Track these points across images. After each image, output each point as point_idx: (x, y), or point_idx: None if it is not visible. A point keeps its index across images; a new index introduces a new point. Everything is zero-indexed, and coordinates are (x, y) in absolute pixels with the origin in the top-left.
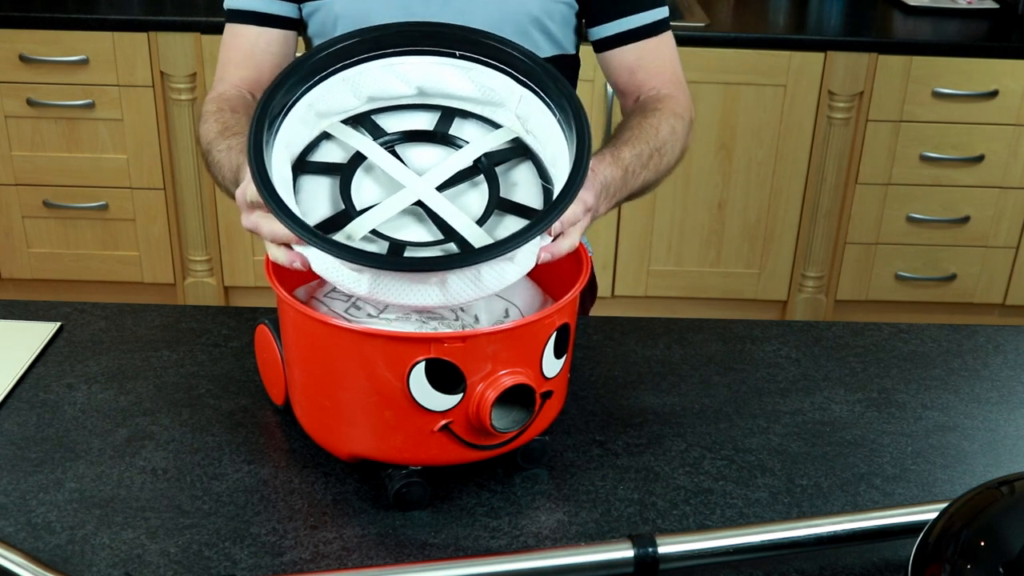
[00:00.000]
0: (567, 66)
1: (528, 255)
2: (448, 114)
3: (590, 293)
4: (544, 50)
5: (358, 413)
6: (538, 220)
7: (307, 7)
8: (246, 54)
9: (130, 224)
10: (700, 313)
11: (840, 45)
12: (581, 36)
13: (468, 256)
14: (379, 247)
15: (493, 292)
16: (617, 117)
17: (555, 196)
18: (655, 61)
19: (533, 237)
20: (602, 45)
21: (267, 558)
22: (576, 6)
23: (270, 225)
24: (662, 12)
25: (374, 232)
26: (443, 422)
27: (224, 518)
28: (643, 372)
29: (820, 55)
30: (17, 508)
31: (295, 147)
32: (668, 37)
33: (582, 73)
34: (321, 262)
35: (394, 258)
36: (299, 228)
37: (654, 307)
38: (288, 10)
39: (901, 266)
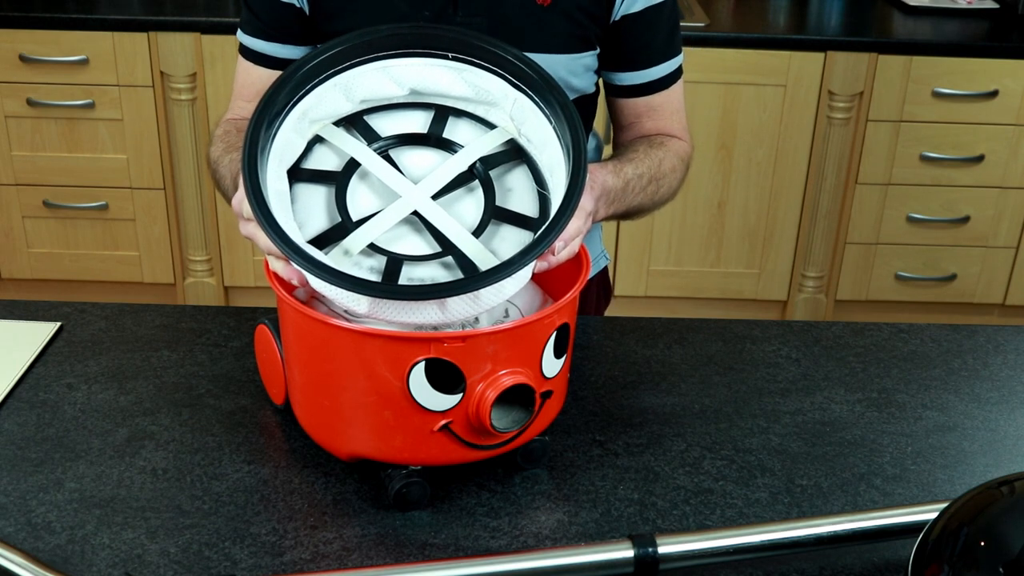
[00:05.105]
0: (585, 103)
1: (526, 268)
2: (442, 113)
3: (604, 297)
4: None
5: (358, 413)
6: (536, 242)
7: None
8: (256, 92)
9: (130, 224)
10: (700, 313)
11: (840, 45)
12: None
13: (465, 283)
14: (377, 261)
15: (491, 307)
16: None
17: (552, 208)
18: (664, 111)
19: (531, 261)
20: (614, 90)
21: (267, 558)
22: (597, 55)
23: (266, 239)
24: (677, 61)
25: (371, 246)
26: (443, 422)
27: (224, 518)
28: (643, 372)
29: (820, 55)
30: (17, 508)
31: (289, 157)
32: (679, 84)
33: None
34: (319, 280)
35: (391, 285)
36: (296, 255)
37: (654, 307)
38: (299, 53)
39: (901, 266)
